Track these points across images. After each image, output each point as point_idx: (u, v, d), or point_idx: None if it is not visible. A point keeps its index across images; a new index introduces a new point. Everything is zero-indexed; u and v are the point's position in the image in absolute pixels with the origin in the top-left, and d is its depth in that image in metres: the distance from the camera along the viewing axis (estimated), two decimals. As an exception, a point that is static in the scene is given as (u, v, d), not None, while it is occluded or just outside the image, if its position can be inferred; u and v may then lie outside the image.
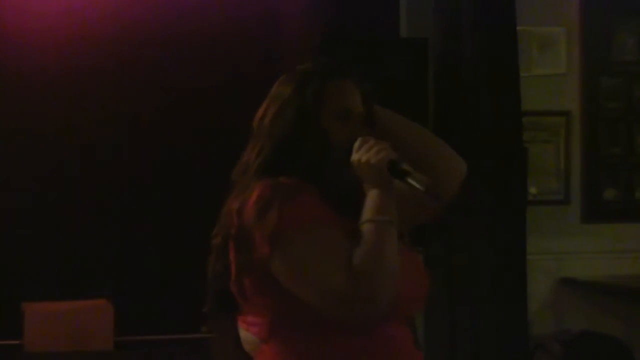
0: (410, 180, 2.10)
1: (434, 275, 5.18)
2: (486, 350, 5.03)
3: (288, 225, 2.04)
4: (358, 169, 2.13)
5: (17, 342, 4.70)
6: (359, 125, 2.21)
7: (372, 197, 2.11)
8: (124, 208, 5.15)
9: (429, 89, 4.95)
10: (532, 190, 5.50)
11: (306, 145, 2.15)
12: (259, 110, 2.25)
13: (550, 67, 5.65)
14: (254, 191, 2.10)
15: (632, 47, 5.72)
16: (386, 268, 2.04)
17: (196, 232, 4.97)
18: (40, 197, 5.11)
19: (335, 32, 5.01)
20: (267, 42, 5.18)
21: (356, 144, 2.14)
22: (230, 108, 5.08)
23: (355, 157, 2.13)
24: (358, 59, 4.72)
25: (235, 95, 5.08)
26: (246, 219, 2.09)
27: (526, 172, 5.23)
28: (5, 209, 5.05)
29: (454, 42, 5.11)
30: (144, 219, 5.14)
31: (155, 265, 5.11)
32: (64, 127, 5.12)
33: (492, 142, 5.07)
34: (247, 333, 2.16)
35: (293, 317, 2.10)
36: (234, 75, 5.17)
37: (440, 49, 5.10)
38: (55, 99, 5.11)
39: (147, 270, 5.10)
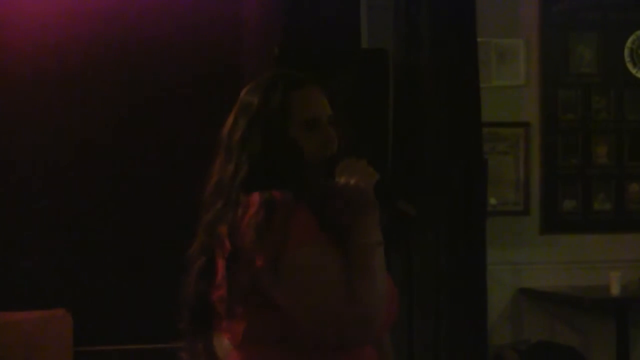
0: (399, 204, 2.14)
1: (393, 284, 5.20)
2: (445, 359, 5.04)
3: (290, 243, 2.03)
4: (345, 192, 2.12)
5: (-27, 352, 4.66)
6: (329, 131, 2.20)
7: (361, 220, 2.12)
8: (84, 217, 5.12)
9: (389, 99, 4.96)
10: (492, 201, 5.53)
11: (280, 158, 2.14)
12: (227, 122, 2.23)
13: (510, 78, 5.70)
14: (247, 208, 2.06)
15: (589, 60, 5.78)
16: (379, 289, 2.06)
17: (158, 243, 4.98)
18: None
19: (295, 42, 5.01)
20: (228, 50, 5.17)
21: (339, 167, 2.13)
22: (190, 118, 5.08)
23: (341, 180, 2.12)
24: (318, 69, 4.73)
25: (193, 107, 5.08)
26: (241, 238, 2.06)
27: (486, 182, 5.25)
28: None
29: (414, 53, 5.13)
30: (103, 227, 5.11)
31: (115, 274, 5.07)
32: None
33: (452, 153, 5.09)
34: (222, 339, 2.16)
35: (268, 327, 2.10)
36: (192, 83, 5.16)
37: (401, 59, 5.11)
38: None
39: (106, 279, 5.07)
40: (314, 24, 5.07)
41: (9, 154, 5.09)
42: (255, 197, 2.07)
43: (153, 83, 5.16)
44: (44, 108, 5.11)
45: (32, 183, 5.09)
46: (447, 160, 5.07)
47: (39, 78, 5.09)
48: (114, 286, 5.05)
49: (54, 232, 5.08)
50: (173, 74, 5.17)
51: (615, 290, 5.28)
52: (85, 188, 5.12)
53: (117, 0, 5.15)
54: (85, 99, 5.14)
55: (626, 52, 5.79)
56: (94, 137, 5.13)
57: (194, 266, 2.17)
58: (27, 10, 5.09)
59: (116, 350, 4.93)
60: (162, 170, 5.11)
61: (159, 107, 5.17)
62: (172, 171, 5.05)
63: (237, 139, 2.18)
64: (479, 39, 5.28)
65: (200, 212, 2.19)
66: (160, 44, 5.17)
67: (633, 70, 5.79)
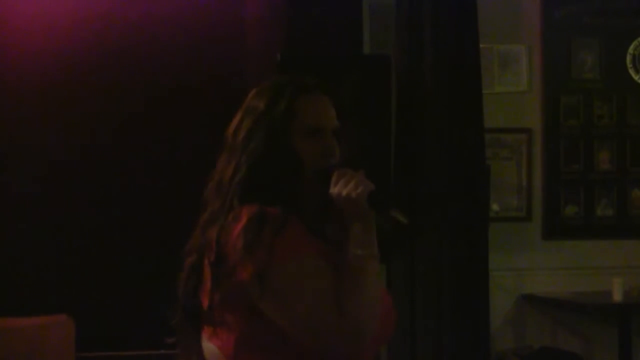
0: (392, 214, 2.11)
1: (395, 290, 5.22)
2: (448, 366, 5.04)
3: (277, 259, 2.02)
4: (338, 202, 2.11)
5: (-24, 358, 4.66)
6: (331, 142, 2.19)
7: (354, 231, 2.10)
8: (87, 222, 5.12)
9: (392, 105, 4.97)
10: (494, 207, 5.53)
11: (278, 163, 2.13)
12: (233, 121, 2.22)
13: (512, 84, 5.70)
14: (239, 219, 2.06)
15: (591, 66, 5.78)
16: (370, 303, 2.04)
17: (161, 249, 4.97)
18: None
19: (297, 48, 5.02)
20: (231, 56, 5.18)
21: (334, 178, 2.12)
22: (192, 122, 5.09)
23: (334, 190, 2.11)
24: (321, 75, 4.73)
25: (195, 111, 5.09)
26: (229, 249, 2.06)
27: (488, 188, 5.26)
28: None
29: (417, 59, 5.14)
30: (105, 233, 5.11)
31: (117, 279, 5.07)
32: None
33: (455, 159, 5.09)
34: (210, 344, 2.15)
35: (259, 338, 2.09)
36: (195, 88, 5.17)
37: (403, 66, 5.12)
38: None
39: (109, 285, 5.07)
40: (316, 30, 5.08)
41: (10, 157, 5.09)
42: (248, 209, 2.07)
43: (155, 86, 5.17)
44: (45, 110, 5.11)
45: (34, 187, 5.09)
46: (449, 166, 5.08)
47: (40, 80, 5.09)
48: (116, 292, 5.05)
49: (56, 238, 5.09)
50: (175, 79, 5.17)
51: (617, 296, 5.27)
52: (88, 193, 5.13)
53: (120, 4, 5.16)
54: (87, 101, 5.14)
55: (628, 58, 5.79)
56: (96, 141, 5.13)
57: (185, 264, 2.17)
58: (29, 13, 5.10)
59: (118, 356, 4.93)
60: (165, 175, 5.12)
61: (160, 110, 5.17)
62: (175, 176, 5.05)
63: (240, 140, 2.17)
64: (481, 45, 5.28)
65: (200, 210, 2.19)
66: (163, 49, 5.18)
67: (635, 77, 5.79)
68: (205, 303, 2.12)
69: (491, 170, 5.34)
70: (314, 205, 2.17)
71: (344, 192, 2.09)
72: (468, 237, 5.10)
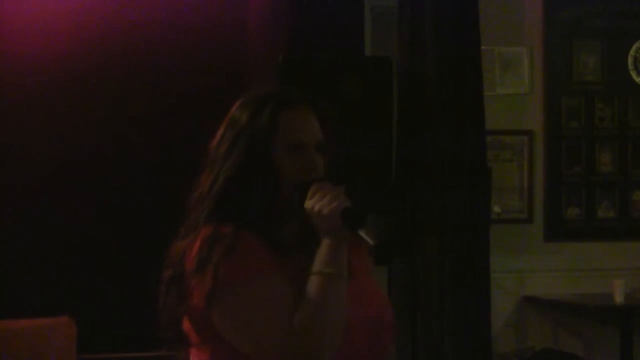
0: (361, 233, 2.08)
1: (396, 292, 5.21)
2: (449, 367, 5.04)
3: (225, 282, 2.00)
4: (311, 216, 2.08)
5: (-23, 360, 4.66)
6: (313, 156, 2.16)
7: (322, 247, 2.06)
8: (88, 224, 5.12)
9: (393, 107, 4.97)
10: (496, 209, 5.53)
11: (256, 180, 2.11)
12: (217, 134, 2.21)
13: (514, 86, 5.70)
14: (197, 239, 2.08)
15: (593, 68, 5.78)
16: (329, 324, 1.99)
17: (162, 251, 4.98)
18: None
19: (299, 50, 5.02)
20: (233, 58, 5.18)
21: (310, 191, 2.09)
22: (193, 124, 5.08)
23: (308, 204, 2.07)
24: (322, 76, 4.73)
25: (196, 113, 5.08)
26: (187, 268, 2.07)
27: (489, 190, 5.26)
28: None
29: (418, 60, 5.14)
30: (107, 235, 5.11)
31: (119, 281, 5.07)
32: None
33: (456, 161, 5.09)
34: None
35: (232, 357, 2.06)
36: (196, 89, 5.17)
37: (405, 67, 5.12)
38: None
39: (110, 286, 5.07)
40: (318, 31, 5.08)
41: (11, 158, 5.09)
42: (205, 230, 2.08)
43: (156, 89, 5.16)
44: (45, 112, 5.11)
45: (34, 188, 5.09)
46: (450, 168, 5.08)
47: (41, 82, 5.09)
48: (118, 293, 5.04)
49: (57, 239, 5.08)
50: (177, 81, 5.17)
51: (619, 298, 5.27)
52: (89, 195, 5.13)
53: (121, 6, 5.16)
54: (87, 103, 5.14)
55: (630, 60, 5.79)
56: (97, 142, 5.13)
57: (163, 278, 2.18)
58: (30, 14, 5.10)
59: (120, 358, 4.93)
60: (166, 176, 5.11)
61: (161, 112, 5.17)
62: (176, 178, 5.03)
63: (222, 153, 2.16)
64: (483, 47, 5.28)
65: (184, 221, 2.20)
66: (164, 51, 5.18)
67: (637, 78, 5.79)
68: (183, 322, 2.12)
69: (492, 172, 5.34)
70: (292, 220, 2.14)
71: (317, 207, 2.06)
72: (469, 239, 5.10)
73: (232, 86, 5.01)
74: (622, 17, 5.80)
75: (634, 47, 5.80)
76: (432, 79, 5.11)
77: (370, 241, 2.09)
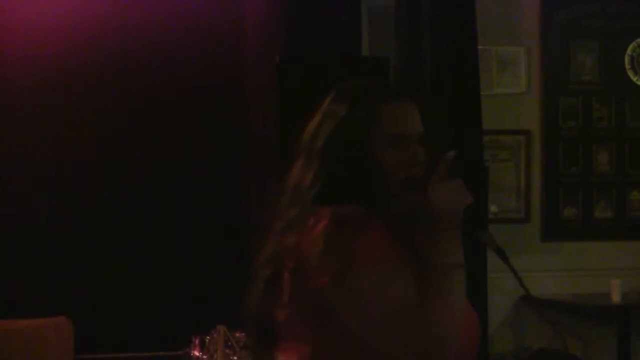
0: (480, 236, 2.14)
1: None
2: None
3: (357, 260, 1.92)
4: (436, 209, 2.05)
5: (-26, 360, 4.65)
6: (416, 149, 2.13)
7: (444, 239, 2.04)
8: (86, 225, 5.12)
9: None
10: (493, 208, 5.53)
11: (359, 174, 2.06)
12: (310, 125, 2.15)
13: (511, 86, 5.70)
14: (319, 220, 1.98)
15: (590, 68, 5.79)
16: (454, 313, 1.95)
17: (159, 252, 4.98)
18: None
19: (296, 50, 5.02)
20: (229, 58, 5.18)
21: (432, 187, 2.06)
22: (191, 124, 5.08)
23: (437, 196, 2.06)
24: (319, 77, 4.73)
25: (194, 114, 5.08)
26: (308, 252, 1.97)
27: (487, 190, 5.25)
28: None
29: (416, 60, 5.14)
30: (104, 235, 5.11)
31: (116, 282, 5.07)
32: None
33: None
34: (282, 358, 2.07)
35: (336, 352, 1.99)
36: (193, 90, 5.17)
37: (402, 67, 5.12)
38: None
39: (107, 287, 5.07)
40: (315, 32, 5.08)
41: (10, 159, 5.09)
42: (327, 210, 1.99)
43: (153, 89, 5.16)
44: (44, 113, 5.11)
45: (33, 191, 5.09)
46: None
47: (40, 83, 5.09)
48: (115, 294, 5.04)
49: (55, 240, 5.08)
50: (174, 81, 5.17)
51: (616, 297, 5.28)
52: (86, 196, 5.12)
53: (118, 7, 5.16)
54: (86, 104, 5.14)
55: (627, 59, 5.80)
56: (97, 142, 5.13)
57: (260, 277, 2.07)
58: (28, 16, 5.10)
59: (117, 358, 4.93)
60: (165, 177, 5.11)
61: (159, 113, 5.17)
62: (175, 178, 5.04)
63: (319, 147, 2.09)
64: (480, 47, 5.28)
65: (272, 217, 2.10)
66: (162, 51, 5.18)
67: (634, 78, 5.79)
68: (281, 316, 2.03)
69: (490, 171, 5.34)
70: (399, 213, 2.08)
71: (450, 201, 2.06)
72: (466, 239, 5.09)
73: (229, 86, 5.02)
74: (619, 17, 5.80)
75: (631, 47, 5.81)
76: (429, 79, 5.11)
77: (491, 245, 2.12)
